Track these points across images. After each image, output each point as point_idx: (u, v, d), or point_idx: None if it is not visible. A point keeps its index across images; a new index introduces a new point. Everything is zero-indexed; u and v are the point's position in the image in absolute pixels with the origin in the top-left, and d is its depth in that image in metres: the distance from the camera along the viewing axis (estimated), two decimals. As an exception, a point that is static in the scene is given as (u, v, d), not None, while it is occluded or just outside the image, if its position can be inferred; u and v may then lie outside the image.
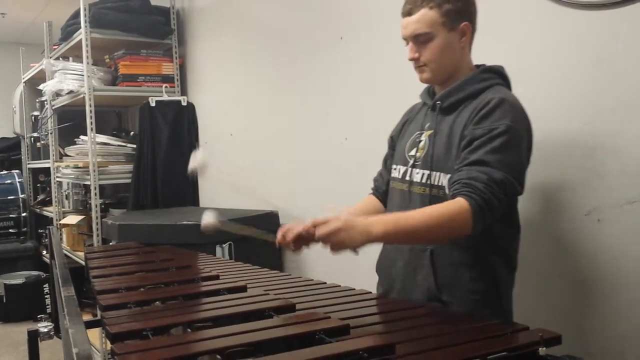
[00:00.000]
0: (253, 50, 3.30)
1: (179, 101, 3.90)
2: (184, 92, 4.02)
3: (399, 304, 1.53)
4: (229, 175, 3.53)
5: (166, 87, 3.92)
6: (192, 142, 3.90)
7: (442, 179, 1.52)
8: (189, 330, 1.30)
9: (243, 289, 1.61)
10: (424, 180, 1.56)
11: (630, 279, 1.59)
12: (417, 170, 1.59)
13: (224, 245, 2.69)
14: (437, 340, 1.18)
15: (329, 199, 2.69)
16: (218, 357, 1.10)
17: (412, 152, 1.62)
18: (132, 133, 4.23)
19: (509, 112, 1.45)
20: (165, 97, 3.87)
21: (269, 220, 2.89)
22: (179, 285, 1.69)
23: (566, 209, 1.73)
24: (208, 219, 1.57)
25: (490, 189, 1.37)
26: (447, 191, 1.48)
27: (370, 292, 1.67)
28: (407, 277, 1.60)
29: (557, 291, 1.77)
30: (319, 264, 2.76)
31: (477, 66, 1.62)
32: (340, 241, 1.34)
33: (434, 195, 1.53)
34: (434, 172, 1.54)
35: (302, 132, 2.90)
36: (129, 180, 3.86)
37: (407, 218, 1.41)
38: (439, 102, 1.59)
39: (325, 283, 1.80)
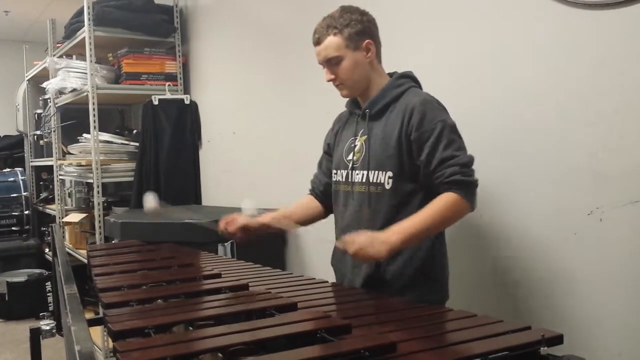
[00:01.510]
0: (256, 49, 3.30)
1: (182, 99, 3.91)
2: (186, 90, 4.03)
3: (401, 303, 1.53)
4: (230, 172, 3.54)
5: (169, 85, 3.93)
6: (194, 140, 3.91)
7: (380, 176, 1.73)
8: (190, 328, 1.31)
9: (245, 287, 1.62)
10: (363, 180, 1.77)
11: (633, 278, 1.59)
12: (357, 171, 1.79)
13: (226, 244, 2.69)
14: (438, 339, 1.18)
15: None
16: (220, 355, 1.10)
17: (350, 157, 1.82)
18: (135, 131, 4.24)
19: (436, 110, 1.69)
20: (168, 96, 3.88)
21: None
22: (181, 283, 1.69)
23: (569, 208, 1.73)
24: (150, 204, 1.58)
25: (464, 173, 1.62)
26: (386, 187, 1.72)
27: (372, 292, 1.67)
28: (354, 265, 1.78)
29: (559, 291, 1.77)
30: (321, 263, 2.76)
31: (390, 74, 1.83)
32: (368, 255, 1.56)
33: (372, 192, 1.75)
34: (372, 171, 1.75)
35: (304, 130, 2.90)
36: (131, 179, 3.87)
37: (420, 222, 1.60)
38: (367, 110, 1.79)
39: (327, 282, 1.80)
